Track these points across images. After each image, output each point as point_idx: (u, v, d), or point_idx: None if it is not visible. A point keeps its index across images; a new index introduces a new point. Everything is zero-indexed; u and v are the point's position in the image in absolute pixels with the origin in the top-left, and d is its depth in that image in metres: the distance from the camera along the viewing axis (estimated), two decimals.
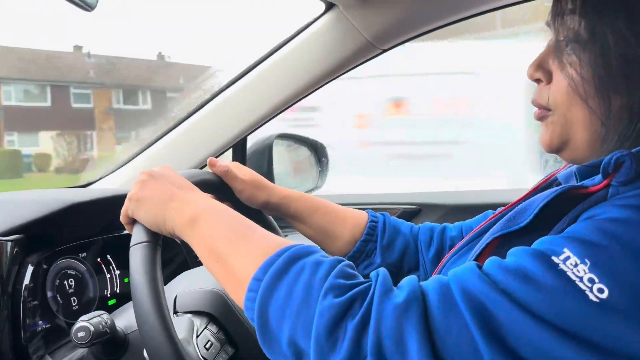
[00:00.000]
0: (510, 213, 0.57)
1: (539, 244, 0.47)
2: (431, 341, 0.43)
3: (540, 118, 0.58)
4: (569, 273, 0.42)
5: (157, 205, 0.62)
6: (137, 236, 0.63)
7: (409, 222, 0.87)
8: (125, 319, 0.73)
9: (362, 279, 0.49)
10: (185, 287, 0.83)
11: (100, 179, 1.22)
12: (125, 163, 1.22)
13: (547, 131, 0.58)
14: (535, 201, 0.54)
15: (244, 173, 0.82)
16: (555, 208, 0.51)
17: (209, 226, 0.58)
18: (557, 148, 0.58)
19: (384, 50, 1.08)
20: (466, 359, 0.42)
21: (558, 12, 0.54)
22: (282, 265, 0.50)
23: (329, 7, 1.03)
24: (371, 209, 1.28)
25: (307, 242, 0.57)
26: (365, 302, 0.46)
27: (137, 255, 0.61)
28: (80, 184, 1.24)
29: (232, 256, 0.54)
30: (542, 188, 0.64)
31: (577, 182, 0.55)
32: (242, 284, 0.51)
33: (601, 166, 0.49)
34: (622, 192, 0.48)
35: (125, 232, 0.98)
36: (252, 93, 1.13)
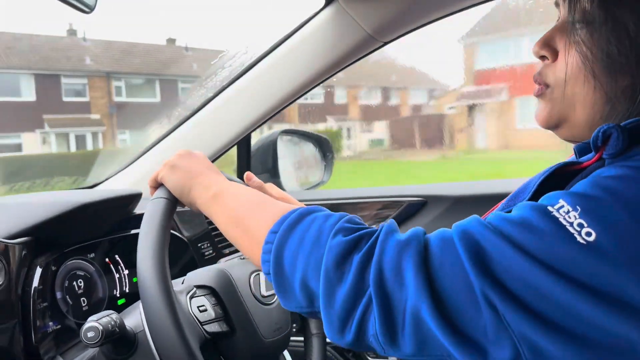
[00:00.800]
0: (511, 194, 0.59)
1: (540, 200, 0.49)
2: (427, 273, 0.46)
3: (540, 95, 0.59)
4: (561, 219, 0.44)
5: (187, 176, 0.70)
6: (160, 193, 0.71)
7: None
8: (134, 318, 0.74)
9: (369, 226, 0.53)
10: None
11: (106, 179, 1.23)
12: (131, 163, 1.22)
13: (546, 107, 0.58)
14: (532, 180, 0.56)
15: (276, 191, 0.87)
16: (553, 185, 0.52)
17: (231, 199, 0.65)
18: (554, 124, 0.58)
19: (385, 43, 1.08)
20: (458, 289, 0.45)
21: None
22: (295, 218, 0.55)
23: (329, 1, 1.03)
24: (377, 202, 1.28)
25: None
26: (371, 239, 0.50)
27: (155, 207, 0.69)
28: (86, 185, 1.25)
29: (251, 219, 0.60)
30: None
31: (577, 159, 0.56)
32: (259, 241, 0.57)
33: (591, 141, 0.51)
34: (616, 162, 0.49)
35: (133, 231, 0.98)
36: (254, 90, 1.14)
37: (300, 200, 0.87)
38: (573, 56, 0.54)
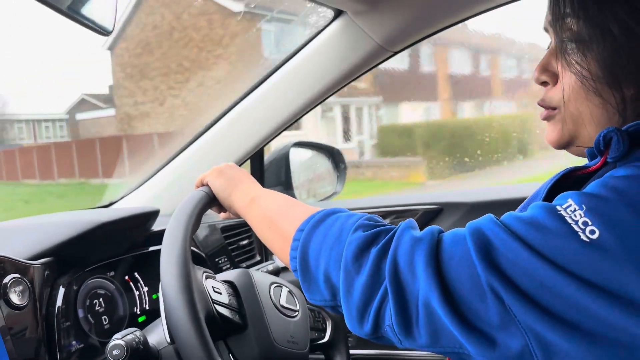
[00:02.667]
0: (525, 201, 0.60)
1: (554, 200, 0.50)
2: (437, 265, 0.48)
3: (547, 118, 0.60)
4: (567, 217, 0.46)
5: (230, 181, 0.78)
6: (202, 188, 0.79)
7: None
8: (156, 335, 0.74)
9: (389, 224, 0.57)
10: None
11: (122, 197, 1.24)
12: (146, 181, 1.23)
13: (556, 128, 0.59)
14: (543, 187, 0.57)
15: None
16: (563, 190, 0.52)
17: (266, 202, 0.71)
18: (565, 144, 0.59)
19: (395, 53, 1.08)
20: (465, 281, 0.47)
21: (557, 16, 0.56)
22: (320, 217, 0.60)
23: (338, 13, 1.04)
24: (393, 211, 1.28)
25: None
26: (389, 234, 0.53)
27: (194, 196, 0.76)
28: (103, 204, 1.26)
29: (282, 219, 0.65)
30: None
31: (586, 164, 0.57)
32: (288, 239, 0.62)
33: (594, 146, 0.52)
34: (621, 166, 0.50)
35: (151, 248, 0.99)
36: (266, 104, 1.14)
37: None
38: (570, 77, 0.55)
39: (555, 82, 0.59)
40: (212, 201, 0.79)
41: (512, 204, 1.19)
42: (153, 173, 1.23)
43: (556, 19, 0.56)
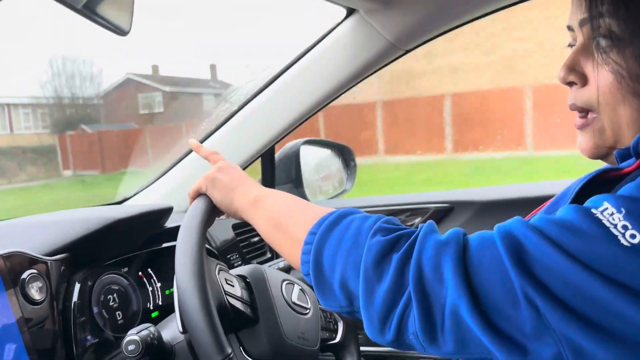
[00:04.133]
0: (552, 200, 0.58)
1: (585, 203, 0.48)
2: (466, 271, 0.46)
3: (583, 126, 0.57)
4: (604, 221, 0.44)
5: (229, 187, 0.73)
6: (201, 199, 0.75)
7: None
8: (170, 331, 0.75)
9: (407, 227, 0.54)
10: None
11: (135, 194, 1.25)
12: (158, 178, 1.24)
13: (592, 139, 0.57)
14: (572, 186, 0.55)
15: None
16: (593, 191, 0.51)
17: (270, 203, 0.67)
18: (604, 154, 0.57)
19: (407, 51, 1.08)
20: (497, 287, 0.45)
21: (591, 15, 0.53)
22: (334, 219, 0.57)
23: (350, 12, 1.04)
24: (404, 210, 1.28)
25: None
26: (411, 239, 0.51)
27: (195, 209, 0.73)
28: (115, 201, 1.27)
29: (290, 221, 0.62)
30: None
31: (617, 165, 0.55)
32: (298, 242, 0.58)
33: (631, 147, 0.50)
34: None
35: (165, 244, 1.00)
36: (278, 101, 1.15)
37: None
38: (605, 77, 0.53)
39: (583, 83, 0.56)
40: (214, 210, 0.76)
41: (523, 203, 1.20)
42: (167, 169, 1.24)
43: (592, 17, 0.53)
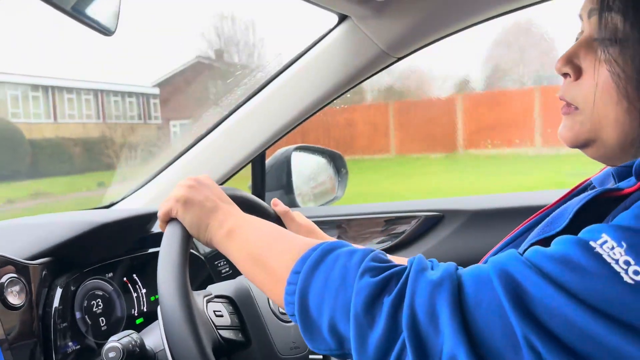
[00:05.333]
0: (547, 219, 0.56)
1: (581, 233, 0.46)
2: (463, 315, 0.44)
3: (567, 113, 0.57)
4: (605, 256, 0.42)
5: (203, 212, 0.66)
6: (174, 224, 0.68)
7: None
8: (153, 338, 0.74)
9: (397, 264, 0.51)
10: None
11: (123, 199, 1.24)
12: (147, 182, 1.23)
13: (573, 127, 0.56)
14: (570, 205, 0.53)
15: (301, 219, 0.87)
16: (592, 211, 0.51)
17: (247, 234, 0.62)
18: (582, 144, 0.57)
19: (399, 59, 1.08)
20: (497, 332, 0.42)
21: (601, 7, 0.52)
22: (318, 256, 0.53)
23: (342, 18, 1.04)
24: (393, 217, 1.28)
25: None
26: (402, 279, 0.47)
27: (172, 234, 0.67)
28: (103, 205, 1.26)
29: (270, 256, 0.57)
30: (577, 192, 0.63)
31: (615, 183, 0.54)
32: (280, 280, 0.54)
33: (633, 168, 0.49)
34: None
35: (151, 250, 0.99)
36: (269, 107, 1.14)
37: (314, 217, 0.87)
38: (603, 75, 0.52)
39: (577, 77, 0.56)
40: (190, 236, 0.68)
41: (514, 212, 1.19)
42: (155, 174, 1.23)
43: (601, 10, 0.52)
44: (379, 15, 0.99)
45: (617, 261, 0.41)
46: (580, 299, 0.41)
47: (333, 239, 0.85)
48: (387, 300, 0.46)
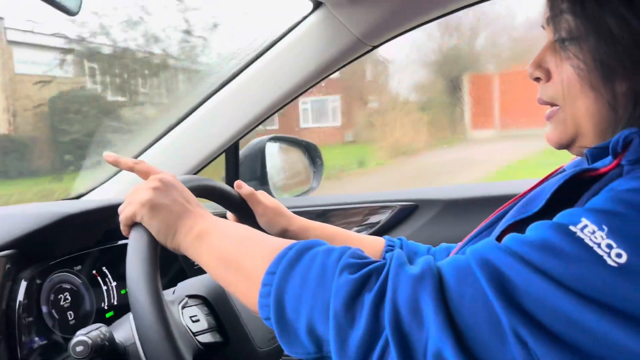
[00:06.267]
0: (523, 200, 0.57)
1: (558, 217, 0.47)
2: (447, 309, 0.43)
3: (550, 117, 0.60)
4: (587, 240, 0.42)
5: (171, 217, 0.62)
6: (140, 230, 0.63)
7: (427, 245, 0.86)
8: (124, 331, 0.72)
9: (375, 259, 0.50)
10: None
11: (92, 190, 1.21)
12: (117, 173, 1.20)
13: (557, 129, 0.59)
14: (546, 187, 0.54)
15: (267, 199, 0.84)
16: (568, 191, 0.51)
17: (218, 237, 0.59)
18: (567, 144, 0.59)
19: (374, 47, 1.07)
20: (483, 325, 0.42)
21: (555, 12, 0.56)
22: (294, 256, 0.51)
23: (317, 5, 1.03)
24: (368, 207, 1.27)
25: None
26: (382, 275, 0.46)
27: (139, 238, 0.62)
28: (71, 196, 1.22)
29: (243, 259, 0.55)
30: (551, 178, 0.64)
31: (589, 165, 0.55)
32: (255, 283, 0.52)
33: (610, 146, 0.50)
34: (636, 169, 0.47)
35: (120, 242, 0.96)
36: (242, 96, 1.12)
37: (289, 207, 0.86)
38: (567, 71, 0.55)
39: (548, 78, 0.59)
40: (157, 245, 0.63)
41: (487, 201, 1.20)
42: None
43: (554, 15, 0.56)
44: (353, 3, 0.98)
45: (599, 245, 0.41)
46: (565, 285, 0.41)
47: (301, 219, 0.84)
48: (368, 298, 0.45)
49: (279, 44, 1.08)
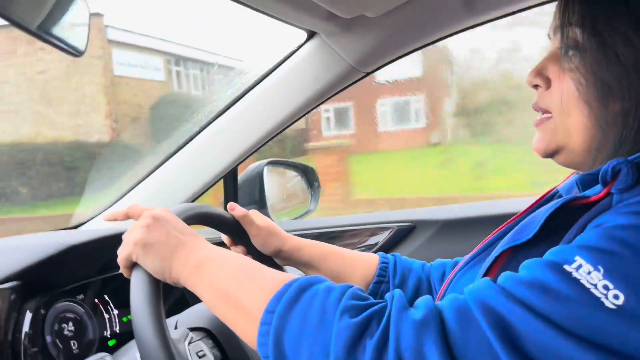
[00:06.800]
0: (516, 227, 0.58)
1: (550, 254, 0.47)
2: (451, 356, 0.43)
3: (539, 124, 0.61)
4: (583, 281, 0.42)
5: (165, 253, 0.61)
6: (141, 271, 0.63)
7: (422, 261, 0.87)
8: (126, 359, 0.73)
9: (376, 300, 0.49)
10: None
11: (90, 219, 1.22)
12: (116, 202, 1.21)
13: (545, 137, 0.60)
14: (539, 214, 0.55)
15: (260, 220, 0.84)
16: (560, 219, 0.52)
17: (216, 269, 0.58)
18: (552, 153, 0.60)
19: (367, 74, 1.10)
20: None
21: (562, 24, 0.57)
22: (294, 294, 0.50)
23: (311, 35, 1.06)
24: (366, 228, 1.29)
25: None
26: (383, 320, 0.46)
27: (138, 281, 0.62)
28: (70, 226, 1.23)
29: (242, 294, 0.54)
30: (544, 201, 0.66)
31: (580, 192, 0.56)
32: (254, 320, 0.51)
33: (599, 175, 0.51)
34: (625, 199, 0.49)
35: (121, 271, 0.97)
36: (240, 123, 1.15)
37: (287, 230, 0.87)
38: (567, 83, 0.56)
39: (547, 87, 0.60)
40: (159, 282, 0.63)
41: (484, 221, 1.22)
42: (122, 194, 1.21)
43: (562, 25, 0.57)
44: (346, 32, 1.00)
45: (595, 286, 0.42)
46: (565, 329, 0.41)
47: (295, 238, 0.84)
48: (370, 344, 0.44)
49: (275, 72, 1.11)
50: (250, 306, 0.52)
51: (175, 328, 0.81)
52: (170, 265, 0.61)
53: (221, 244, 0.81)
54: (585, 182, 0.56)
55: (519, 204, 0.66)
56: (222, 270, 0.58)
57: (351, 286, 0.51)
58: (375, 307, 0.47)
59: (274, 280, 0.53)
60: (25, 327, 0.73)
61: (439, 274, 0.83)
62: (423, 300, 0.48)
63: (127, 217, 0.72)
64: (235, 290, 0.55)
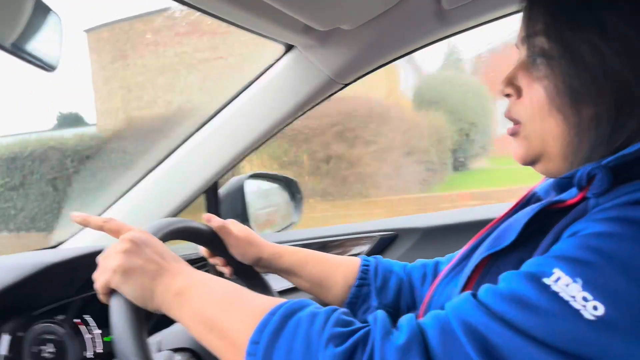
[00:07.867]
0: (494, 233, 0.59)
1: (528, 266, 0.48)
2: None
3: (513, 134, 0.61)
4: (562, 294, 0.43)
5: (145, 280, 0.59)
6: (120, 299, 0.61)
7: (403, 262, 0.87)
8: None
9: (360, 324, 0.50)
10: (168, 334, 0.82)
11: (70, 237, 1.20)
12: None
13: (521, 146, 0.60)
14: (516, 219, 0.56)
15: (238, 229, 0.83)
16: (538, 224, 0.53)
17: (198, 296, 0.57)
18: (531, 161, 0.60)
19: (346, 85, 1.11)
20: None
21: (528, 33, 0.58)
22: (278, 323, 0.50)
23: (288, 48, 1.06)
24: (350, 239, 1.29)
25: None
26: (367, 348, 0.46)
27: (119, 309, 0.60)
28: (50, 245, 1.21)
29: (226, 322, 0.53)
30: (522, 205, 0.66)
31: (556, 196, 0.57)
32: (239, 350, 0.50)
33: (575, 180, 0.51)
34: (601, 203, 0.49)
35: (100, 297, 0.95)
36: (219, 137, 1.14)
37: (271, 242, 0.87)
38: (537, 91, 0.57)
39: (518, 96, 0.60)
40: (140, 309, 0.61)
41: (464, 227, 1.24)
42: (102, 211, 1.20)
43: (529, 35, 0.58)
44: (323, 44, 1.01)
45: (574, 298, 0.42)
46: (547, 344, 0.41)
47: (273, 246, 0.84)
48: None
49: (252, 85, 1.11)
50: (235, 336, 0.52)
51: (160, 350, 0.79)
52: (151, 293, 0.59)
53: (202, 258, 0.81)
54: (560, 185, 0.57)
55: (499, 210, 0.67)
56: (205, 297, 0.56)
57: (336, 309, 0.51)
58: (359, 334, 0.48)
59: (259, 307, 0.52)
60: (3, 350, 0.71)
61: (420, 274, 0.83)
62: (406, 320, 0.49)
63: (100, 228, 0.70)
64: (219, 319, 0.54)
